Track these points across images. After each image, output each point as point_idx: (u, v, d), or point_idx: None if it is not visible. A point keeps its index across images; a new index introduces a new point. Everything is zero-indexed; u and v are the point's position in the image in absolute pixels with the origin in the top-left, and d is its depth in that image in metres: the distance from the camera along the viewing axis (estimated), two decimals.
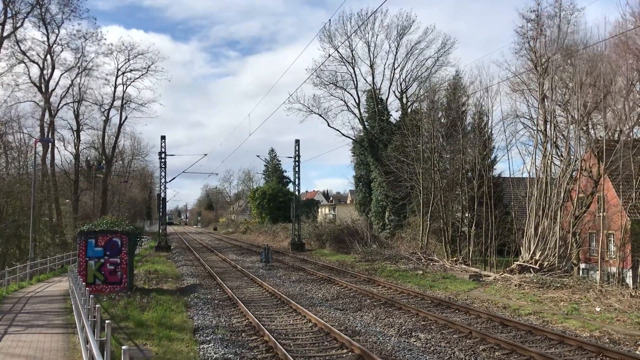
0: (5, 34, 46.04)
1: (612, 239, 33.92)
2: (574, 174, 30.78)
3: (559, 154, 33.04)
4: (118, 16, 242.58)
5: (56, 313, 17.61)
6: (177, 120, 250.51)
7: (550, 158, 30.35)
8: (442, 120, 42.90)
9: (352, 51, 53.11)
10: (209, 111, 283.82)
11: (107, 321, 8.97)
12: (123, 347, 7.08)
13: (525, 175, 34.01)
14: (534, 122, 34.18)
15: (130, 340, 13.60)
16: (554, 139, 31.63)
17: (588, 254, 36.99)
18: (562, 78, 31.52)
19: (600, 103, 30.48)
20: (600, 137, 32.67)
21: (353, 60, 53.50)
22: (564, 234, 29.64)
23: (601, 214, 31.78)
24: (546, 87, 30.67)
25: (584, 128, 31.68)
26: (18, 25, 47.66)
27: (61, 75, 54.95)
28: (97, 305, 10.79)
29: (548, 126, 30.89)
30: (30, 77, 51.96)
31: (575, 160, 30.56)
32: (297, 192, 56.55)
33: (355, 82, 54.09)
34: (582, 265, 36.58)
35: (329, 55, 48.22)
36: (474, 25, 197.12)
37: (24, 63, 51.14)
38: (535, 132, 32.35)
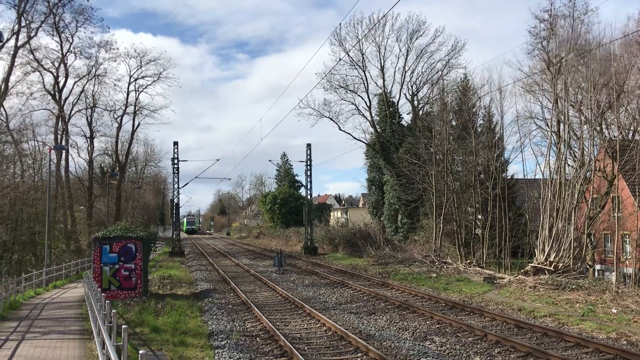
0: (19, 43, 46.52)
1: (627, 239, 33.54)
2: (588, 174, 30.51)
3: (573, 154, 32.76)
4: (127, 22, 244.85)
5: (72, 319, 17.77)
6: (187, 124, 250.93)
7: (564, 159, 30.12)
8: (454, 123, 42.71)
9: (362, 54, 53.08)
10: (218, 115, 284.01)
11: (123, 326, 9.04)
12: (140, 352, 7.14)
13: (539, 176, 33.77)
14: (547, 122, 33.95)
15: (145, 345, 13.69)
16: (568, 140, 31.39)
17: (603, 255, 36.60)
18: (575, 78, 31.29)
19: (613, 103, 30.22)
20: (614, 136, 32.37)
21: (363, 64, 53.39)
22: (578, 235, 29.37)
23: (616, 215, 31.46)
24: (559, 87, 30.46)
25: (598, 128, 31.39)
26: (32, 34, 48.17)
27: (74, 83, 55.40)
28: (113, 311, 10.88)
29: (561, 127, 30.67)
30: (44, 86, 52.44)
31: (589, 161, 30.30)
32: (309, 196, 56.61)
33: (365, 85, 53.98)
34: (598, 267, 36.20)
35: (340, 59, 48.18)
36: (487, 22, 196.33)
37: (39, 72, 51.65)
38: (549, 133, 32.14)
